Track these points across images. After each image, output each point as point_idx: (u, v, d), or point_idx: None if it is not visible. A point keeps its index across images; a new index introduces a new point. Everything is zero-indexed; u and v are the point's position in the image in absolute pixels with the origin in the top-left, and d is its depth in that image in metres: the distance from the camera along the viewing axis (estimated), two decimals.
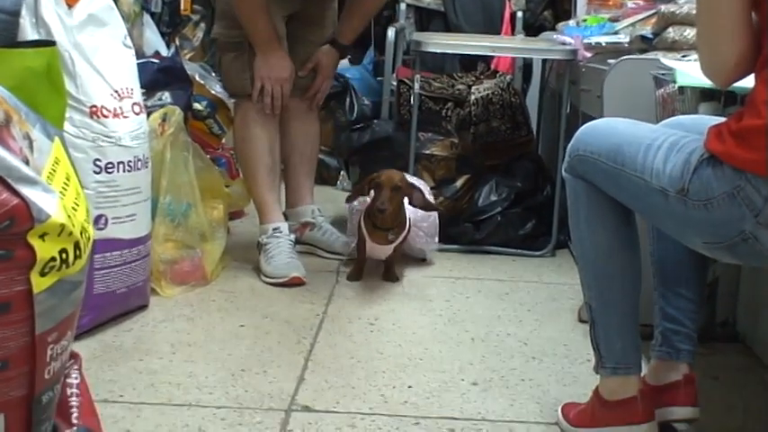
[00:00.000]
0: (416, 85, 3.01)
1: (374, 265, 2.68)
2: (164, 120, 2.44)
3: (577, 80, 2.84)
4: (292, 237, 2.73)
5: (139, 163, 2.16)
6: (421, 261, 2.84)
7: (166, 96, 2.83)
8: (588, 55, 2.78)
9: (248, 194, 2.87)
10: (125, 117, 2.12)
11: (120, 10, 2.32)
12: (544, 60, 3.66)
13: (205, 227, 2.52)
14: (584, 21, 3.09)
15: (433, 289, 2.60)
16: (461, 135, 3.27)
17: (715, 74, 1.39)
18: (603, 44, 2.66)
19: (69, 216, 1.05)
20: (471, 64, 3.91)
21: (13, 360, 1.03)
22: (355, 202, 2.73)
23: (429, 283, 2.67)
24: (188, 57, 4.03)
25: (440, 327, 2.28)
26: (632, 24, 2.67)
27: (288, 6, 2.76)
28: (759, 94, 1.30)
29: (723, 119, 1.41)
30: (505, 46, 3.45)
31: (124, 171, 2.12)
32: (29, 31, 1.89)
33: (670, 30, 2.23)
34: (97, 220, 2.06)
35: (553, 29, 3.76)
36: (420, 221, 2.71)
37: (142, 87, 2.30)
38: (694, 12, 1.93)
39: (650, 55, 2.24)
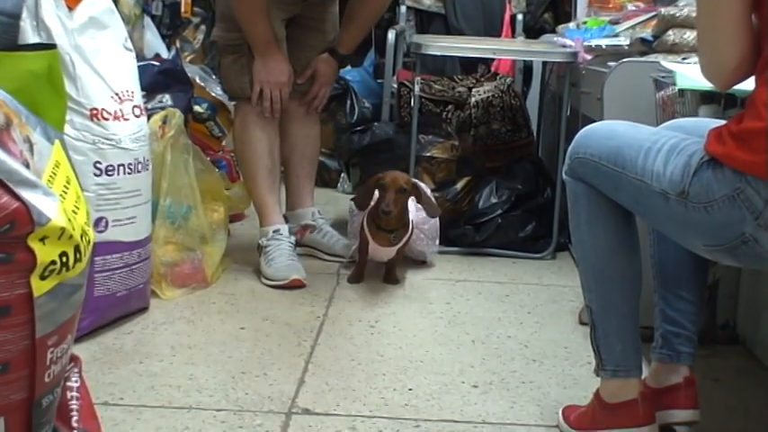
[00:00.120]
0: (417, 88, 3.01)
1: (375, 267, 2.68)
2: (164, 122, 2.44)
3: (578, 82, 2.84)
4: (293, 239, 2.73)
5: (140, 165, 2.16)
6: (421, 263, 2.84)
7: (167, 99, 2.84)
8: (588, 57, 2.78)
9: (248, 197, 2.87)
10: (125, 120, 2.12)
11: (120, 12, 2.32)
12: (544, 63, 3.66)
13: (205, 229, 2.52)
14: (585, 23, 3.10)
15: (434, 291, 2.60)
16: (462, 137, 3.27)
17: (715, 76, 1.39)
18: (604, 47, 2.66)
19: (69, 219, 1.05)
20: (472, 66, 3.91)
21: (14, 363, 1.03)
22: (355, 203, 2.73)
23: (429, 285, 2.67)
24: (188, 59, 4.04)
25: (440, 329, 2.28)
26: (632, 27, 2.67)
27: (288, 10, 2.76)
28: (759, 96, 1.30)
29: (723, 121, 1.41)
30: (506, 48, 3.45)
31: (124, 174, 2.12)
32: (29, 34, 1.89)
33: (670, 32, 2.23)
34: (97, 222, 2.06)
35: (553, 31, 3.76)
36: (421, 224, 2.71)
37: (143, 90, 2.30)
38: (694, 14, 1.94)
39: (650, 57, 2.24)
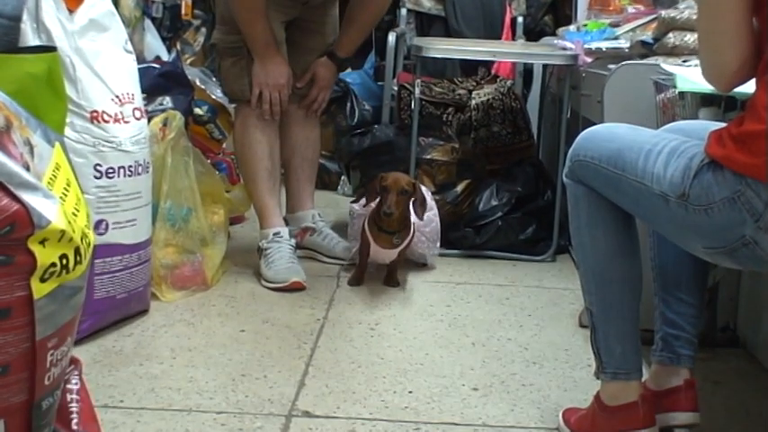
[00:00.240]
0: (417, 90, 3.01)
1: (375, 269, 2.68)
2: (164, 124, 2.44)
3: (578, 85, 2.84)
4: (293, 241, 2.73)
5: (140, 168, 2.16)
6: (422, 266, 2.84)
7: (167, 101, 2.84)
8: (589, 60, 2.78)
9: (249, 199, 2.87)
10: (126, 122, 2.12)
11: (121, 15, 2.32)
12: (545, 65, 3.67)
13: (206, 231, 2.52)
14: (585, 26, 3.10)
15: (434, 294, 2.60)
16: (462, 140, 3.27)
17: (716, 78, 1.39)
18: (604, 49, 2.66)
19: (70, 222, 1.05)
20: (472, 69, 3.91)
21: (14, 366, 1.03)
22: (356, 206, 2.73)
23: (429, 287, 2.67)
24: (189, 61, 4.04)
25: (440, 331, 2.28)
26: (633, 29, 2.67)
27: (287, 12, 2.76)
28: (760, 98, 1.30)
29: (724, 124, 1.41)
30: (506, 51, 3.45)
31: (125, 176, 2.12)
32: (30, 37, 1.89)
33: (670, 35, 2.23)
34: (98, 225, 2.06)
35: (554, 34, 3.77)
36: (422, 226, 2.71)
37: (143, 92, 2.30)
38: (695, 17, 1.94)
39: (651, 60, 2.24)
